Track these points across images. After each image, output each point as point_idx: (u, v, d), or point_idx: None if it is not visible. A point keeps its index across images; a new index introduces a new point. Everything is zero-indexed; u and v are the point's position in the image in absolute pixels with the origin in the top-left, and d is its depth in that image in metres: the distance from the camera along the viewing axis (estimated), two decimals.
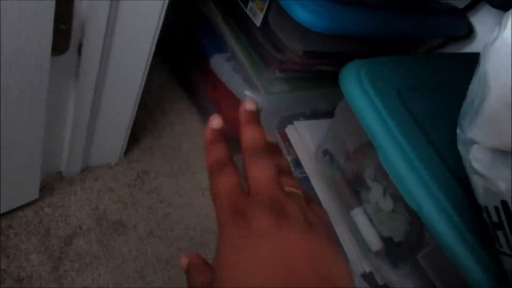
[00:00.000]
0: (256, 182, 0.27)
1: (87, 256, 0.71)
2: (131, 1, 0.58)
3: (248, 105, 0.31)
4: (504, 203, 0.42)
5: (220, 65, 0.88)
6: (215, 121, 0.31)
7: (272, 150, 0.30)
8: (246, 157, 0.28)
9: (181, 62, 1.06)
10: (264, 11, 0.80)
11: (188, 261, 0.30)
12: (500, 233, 0.44)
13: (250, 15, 0.84)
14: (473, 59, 0.52)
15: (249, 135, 0.29)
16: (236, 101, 0.88)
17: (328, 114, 0.86)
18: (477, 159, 0.45)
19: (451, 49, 1.04)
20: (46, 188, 0.75)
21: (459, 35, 0.97)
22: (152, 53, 0.68)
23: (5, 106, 0.55)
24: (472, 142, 0.45)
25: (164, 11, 0.63)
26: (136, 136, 0.90)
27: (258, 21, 0.82)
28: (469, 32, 0.99)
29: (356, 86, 0.59)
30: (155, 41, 0.67)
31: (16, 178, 0.66)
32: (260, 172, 0.27)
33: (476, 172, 0.45)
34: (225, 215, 0.26)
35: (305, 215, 0.26)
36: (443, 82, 0.68)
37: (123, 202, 0.80)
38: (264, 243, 0.24)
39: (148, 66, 0.70)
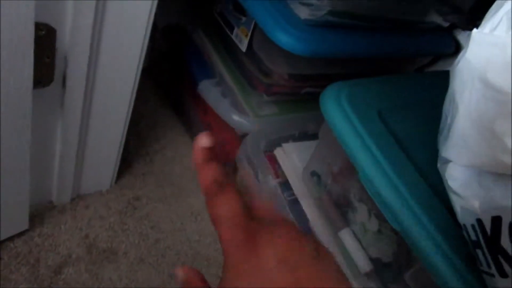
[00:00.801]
0: (263, 207, 0.28)
1: (77, 285, 0.71)
2: (113, 31, 0.60)
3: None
4: (479, 221, 0.42)
5: (208, 90, 0.89)
6: (204, 140, 0.28)
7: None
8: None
9: (173, 87, 1.07)
10: (248, 37, 0.82)
11: (186, 275, 0.28)
12: (479, 252, 0.44)
13: (236, 41, 0.85)
14: None
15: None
16: (227, 125, 0.88)
17: (317, 135, 0.87)
18: (452, 178, 0.45)
19: (440, 66, 1.04)
20: (37, 217, 0.76)
21: (446, 53, 0.98)
22: (137, 80, 0.70)
23: None
24: (447, 161, 0.46)
25: (147, 40, 0.64)
26: (128, 162, 0.91)
27: (243, 46, 0.84)
28: (456, 50, 1.00)
29: (336, 108, 0.59)
30: (140, 69, 0.68)
31: (5, 210, 0.67)
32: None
33: (453, 191, 0.45)
34: (231, 243, 0.25)
35: (313, 242, 0.26)
36: (424, 101, 0.68)
37: (114, 230, 0.80)
38: (276, 271, 0.24)
39: (134, 93, 0.71)
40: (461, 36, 0.99)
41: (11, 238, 0.72)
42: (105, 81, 0.65)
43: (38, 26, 0.52)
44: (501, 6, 0.37)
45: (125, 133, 0.77)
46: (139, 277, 0.75)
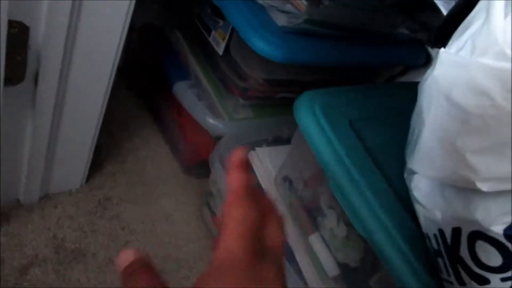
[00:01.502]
0: (275, 235, 0.28)
1: (43, 286, 0.70)
2: (89, 31, 0.59)
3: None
4: (441, 231, 0.43)
5: (183, 91, 0.89)
6: (244, 151, 0.30)
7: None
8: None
9: (147, 88, 1.07)
10: (226, 40, 0.82)
11: (132, 259, 0.27)
12: (440, 261, 0.46)
13: (213, 44, 0.86)
14: None
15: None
16: (201, 126, 0.89)
17: (290, 140, 0.88)
18: (417, 189, 0.47)
19: (411, 77, 1.08)
20: (3, 216, 0.74)
21: (417, 64, 1.01)
22: (112, 80, 0.69)
23: None
24: (413, 172, 0.47)
25: (124, 38, 0.64)
26: (99, 161, 0.89)
27: (220, 49, 0.84)
28: (426, 61, 1.03)
29: (309, 116, 0.61)
30: (115, 69, 0.68)
31: None
32: (280, 234, 0.28)
33: (417, 201, 0.47)
34: (242, 250, 0.26)
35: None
36: (393, 112, 0.70)
37: (83, 230, 0.79)
38: None
39: (108, 94, 0.71)
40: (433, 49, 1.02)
41: None
42: (79, 80, 0.64)
43: (11, 24, 0.51)
44: (466, 28, 0.39)
45: (97, 132, 0.76)
46: (107, 278, 0.75)
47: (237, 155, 0.30)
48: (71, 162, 0.79)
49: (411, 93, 0.77)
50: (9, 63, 0.54)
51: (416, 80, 1.05)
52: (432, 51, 1.02)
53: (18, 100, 0.62)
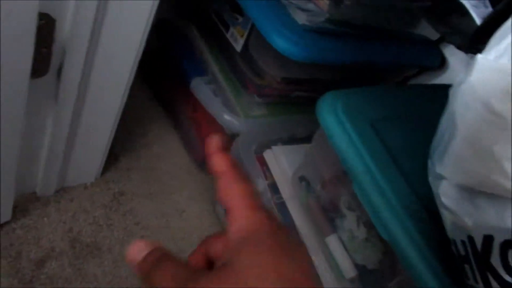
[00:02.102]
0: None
1: (59, 280, 0.70)
2: (113, 25, 0.59)
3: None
4: (470, 238, 0.43)
5: (200, 88, 0.89)
6: (217, 138, 0.30)
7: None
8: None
9: (162, 83, 1.06)
10: (244, 37, 0.82)
11: (148, 250, 0.28)
12: (467, 267, 0.45)
13: (231, 41, 0.85)
14: (444, 91, 0.54)
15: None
16: (215, 122, 0.88)
17: (305, 139, 0.88)
18: (445, 194, 0.47)
19: (425, 78, 1.07)
20: (19, 209, 0.74)
21: (432, 66, 1.01)
22: (132, 76, 0.69)
23: None
24: (441, 177, 0.47)
25: (146, 36, 0.64)
26: (114, 156, 0.89)
27: (238, 46, 0.84)
28: (441, 63, 1.03)
29: (332, 117, 0.60)
30: (136, 64, 0.67)
31: None
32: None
33: (445, 207, 0.47)
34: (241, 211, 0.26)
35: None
36: (415, 113, 0.70)
37: (98, 224, 0.79)
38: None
39: (128, 89, 0.70)
40: (446, 50, 1.02)
41: None
42: (101, 75, 0.64)
43: (39, 16, 0.51)
44: (507, 34, 0.38)
45: (115, 127, 0.76)
46: (122, 273, 0.75)
47: (215, 140, 0.30)
48: (88, 156, 0.79)
49: (430, 96, 0.77)
50: (34, 55, 0.53)
51: (430, 82, 1.06)
52: (447, 52, 1.02)
53: (40, 93, 0.61)
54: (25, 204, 0.75)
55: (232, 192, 0.27)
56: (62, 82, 0.61)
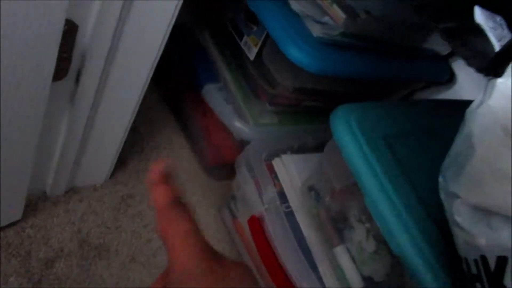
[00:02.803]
0: None
1: (67, 280, 0.70)
2: (134, 32, 0.59)
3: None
4: (483, 258, 0.44)
5: (211, 94, 0.90)
6: (161, 165, 0.32)
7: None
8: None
9: (173, 87, 1.07)
10: (258, 46, 0.83)
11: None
12: (478, 286, 0.46)
13: (245, 49, 0.86)
14: (456, 107, 0.55)
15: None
16: (225, 129, 0.89)
17: (315, 149, 0.89)
18: (459, 213, 0.47)
19: (433, 92, 1.09)
20: (29, 208, 0.75)
21: (441, 80, 1.02)
22: (148, 83, 0.69)
23: (0, 127, 0.55)
24: (455, 196, 0.48)
25: (164, 45, 0.65)
26: (123, 158, 0.90)
27: (252, 55, 0.85)
28: (450, 78, 1.04)
29: (345, 130, 0.61)
30: (152, 71, 0.68)
31: (1, 200, 0.65)
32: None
33: (458, 226, 0.47)
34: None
35: None
36: (427, 129, 0.71)
37: (107, 226, 0.79)
38: None
39: (143, 95, 0.71)
40: (455, 65, 1.03)
41: (2, 229, 0.70)
42: (118, 80, 0.65)
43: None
44: None
45: (127, 131, 0.77)
46: (130, 275, 0.75)
47: (157, 169, 0.32)
48: (99, 158, 0.79)
49: (443, 111, 0.78)
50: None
51: (437, 96, 1.07)
52: (456, 69, 1.03)
53: (57, 97, 0.62)
54: (35, 203, 0.76)
55: (171, 231, 0.29)
56: (80, 86, 0.61)
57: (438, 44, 0.95)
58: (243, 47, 0.87)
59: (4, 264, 0.68)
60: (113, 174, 0.87)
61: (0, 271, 0.66)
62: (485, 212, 0.44)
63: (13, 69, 0.49)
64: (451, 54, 1.01)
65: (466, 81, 1.03)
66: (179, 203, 0.30)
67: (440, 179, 0.55)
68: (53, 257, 0.71)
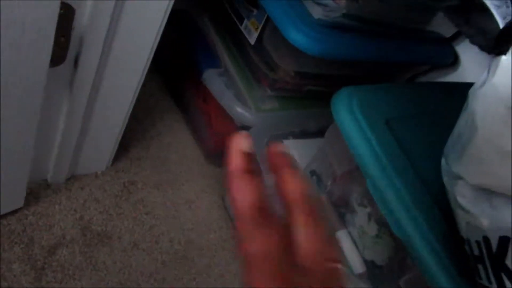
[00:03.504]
0: (312, 250, 0.22)
1: (70, 267, 0.70)
2: (131, 16, 0.59)
3: (284, 147, 0.25)
4: (486, 239, 0.44)
5: (212, 80, 0.89)
6: (244, 142, 0.24)
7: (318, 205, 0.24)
8: (299, 211, 0.23)
9: (173, 73, 1.06)
10: (259, 30, 0.82)
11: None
12: (480, 266, 0.46)
13: (245, 33, 0.85)
14: (459, 89, 0.54)
15: (300, 184, 0.24)
16: (226, 114, 0.88)
17: (317, 134, 0.88)
18: (462, 194, 0.47)
19: (436, 75, 1.07)
20: (31, 196, 0.75)
21: (445, 63, 1.01)
22: (147, 67, 0.69)
23: None
24: (458, 177, 0.47)
25: (162, 29, 0.64)
26: (124, 145, 0.90)
27: (252, 39, 0.84)
28: (454, 61, 1.02)
29: (347, 114, 0.60)
30: (152, 55, 0.67)
31: (3, 186, 0.65)
32: (319, 240, 0.22)
33: (461, 207, 0.47)
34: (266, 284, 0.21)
35: None
36: (429, 112, 0.70)
37: (109, 213, 0.79)
38: None
39: (142, 80, 0.70)
40: (459, 48, 1.02)
41: (4, 216, 0.71)
42: (117, 65, 0.64)
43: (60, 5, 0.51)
44: None
45: (127, 117, 0.76)
46: (132, 262, 0.75)
47: (235, 154, 0.23)
48: (100, 145, 0.79)
49: (446, 93, 0.77)
50: (53, 44, 0.53)
51: (440, 79, 1.05)
52: (460, 51, 1.01)
53: (56, 82, 0.62)
54: (36, 191, 0.76)
55: (246, 255, 0.22)
56: (78, 71, 0.61)
57: (441, 26, 0.94)
58: (243, 31, 0.86)
59: (7, 251, 0.68)
60: (114, 161, 0.86)
61: (3, 258, 0.67)
62: (487, 193, 0.43)
63: (10, 53, 0.48)
64: (455, 37, 0.99)
65: (470, 64, 1.01)
66: (266, 212, 0.22)
67: (443, 161, 0.54)
68: (56, 244, 0.72)
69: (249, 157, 0.24)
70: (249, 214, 0.22)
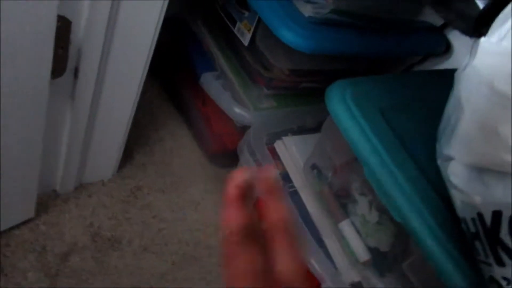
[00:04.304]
0: (289, 271, 0.25)
1: (83, 273, 0.72)
2: (126, 25, 0.61)
3: (272, 172, 0.28)
4: (480, 215, 0.45)
5: (209, 83, 0.91)
6: (242, 177, 0.26)
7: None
8: (278, 235, 0.26)
9: (172, 79, 1.08)
10: (251, 31, 0.84)
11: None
12: (477, 243, 0.47)
13: (238, 35, 0.87)
14: (450, 76, 0.56)
15: (280, 211, 0.27)
16: (226, 116, 0.90)
17: (315, 129, 0.90)
18: (454, 174, 0.48)
19: (430, 64, 1.08)
20: (41, 206, 0.77)
21: (438, 52, 1.02)
22: (145, 73, 0.71)
23: (4, 127, 0.56)
24: (450, 158, 0.49)
25: (157, 35, 0.66)
26: (128, 152, 0.92)
27: (245, 40, 0.86)
28: (446, 49, 1.03)
29: (341, 105, 0.62)
30: (149, 61, 0.70)
31: (13, 198, 0.68)
32: (296, 262, 0.26)
33: (454, 187, 0.48)
34: None
35: None
36: (423, 99, 0.72)
37: (117, 218, 0.81)
38: None
39: (141, 86, 0.73)
40: (451, 35, 1.03)
41: (17, 226, 0.73)
42: (115, 73, 0.66)
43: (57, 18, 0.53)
44: (508, 17, 0.40)
45: (130, 124, 0.78)
46: (143, 264, 0.77)
47: (231, 186, 0.26)
48: (105, 153, 0.81)
49: (436, 81, 0.78)
50: (53, 56, 0.56)
51: (435, 67, 1.07)
52: (452, 38, 1.03)
53: (58, 93, 0.64)
54: (46, 201, 0.78)
55: (233, 269, 0.25)
56: (79, 82, 0.63)
57: (432, 16, 0.95)
58: (236, 33, 0.88)
59: (22, 260, 0.70)
60: (120, 168, 0.89)
61: (18, 267, 0.69)
62: (478, 170, 0.45)
63: (11, 67, 0.50)
64: (446, 25, 1.01)
65: (463, 51, 1.03)
66: (251, 234, 0.25)
67: (437, 145, 0.56)
68: (68, 251, 0.74)
69: (243, 188, 0.26)
70: (235, 236, 0.25)
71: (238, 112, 0.88)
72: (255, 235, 0.26)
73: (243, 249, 0.25)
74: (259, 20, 0.81)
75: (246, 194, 0.26)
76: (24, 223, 0.74)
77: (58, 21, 0.54)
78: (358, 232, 0.69)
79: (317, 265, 0.70)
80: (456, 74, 0.47)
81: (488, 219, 0.44)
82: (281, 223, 0.26)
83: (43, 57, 0.53)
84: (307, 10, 0.75)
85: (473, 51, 0.43)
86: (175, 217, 0.87)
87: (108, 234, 0.79)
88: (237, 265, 0.25)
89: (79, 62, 0.61)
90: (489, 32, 0.42)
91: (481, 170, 0.44)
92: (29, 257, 0.70)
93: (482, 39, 0.41)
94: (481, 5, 0.52)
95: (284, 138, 0.85)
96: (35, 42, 0.50)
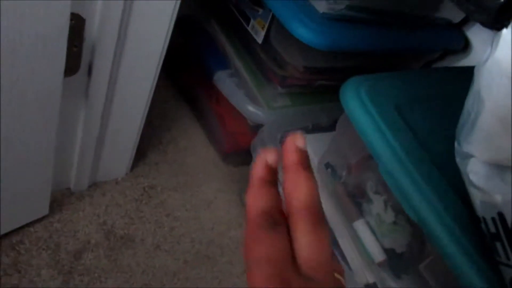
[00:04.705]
0: (313, 259, 0.23)
1: (96, 270, 0.73)
2: (139, 23, 0.61)
3: (300, 141, 0.25)
4: (500, 214, 0.43)
5: (223, 81, 0.90)
6: (272, 156, 0.24)
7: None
8: (302, 220, 0.23)
9: (185, 78, 1.08)
10: (265, 29, 0.83)
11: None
12: (498, 244, 0.46)
13: (252, 33, 0.86)
14: (468, 73, 0.54)
15: (307, 191, 0.24)
16: (239, 115, 0.90)
17: (329, 127, 0.88)
18: (474, 172, 0.47)
19: (449, 62, 1.06)
20: (55, 204, 0.77)
21: (456, 48, 1.00)
22: (159, 71, 0.71)
23: (18, 125, 0.57)
24: (469, 155, 0.47)
25: (170, 34, 0.66)
26: (142, 151, 0.92)
27: (259, 38, 0.85)
28: (465, 46, 1.01)
29: (356, 102, 0.61)
30: (162, 60, 0.69)
31: (28, 195, 0.68)
32: (320, 250, 0.23)
33: (474, 185, 0.47)
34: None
35: None
36: (439, 96, 0.70)
37: (130, 217, 0.81)
38: None
39: (154, 85, 0.72)
40: (470, 32, 1.00)
41: (31, 223, 0.73)
42: (128, 71, 0.66)
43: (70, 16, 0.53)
44: None
45: (143, 122, 0.78)
46: (156, 263, 0.77)
47: (260, 164, 0.24)
48: (118, 151, 0.81)
49: (453, 78, 0.76)
50: (66, 54, 0.56)
51: (453, 65, 1.04)
52: (470, 35, 1.00)
53: (72, 91, 0.64)
54: (60, 199, 0.78)
55: (249, 256, 0.23)
56: (92, 79, 0.63)
57: (450, 12, 0.93)
58: (250, 31, 0.87)
59: (36, 257, 0.70)
60: (133, 167, 0.89)
61: (32, 264, 0.69)
62: (499, 168, 0.43)
63: (25, 66, 0.50)
64: (464, 22, 0.98)
65: (481, 48, 1.00)
66: (276, 218, 0.23)
67: (456, 144, 0.54)
68: (81, 249, 0.74)
69: (271, 170, 0.25)
70: (259, 220, 0.23)
71: (252, 111, 0.87)
72: (280, 218, 0.24)
73: (267, 233, 0.23)
74: (273, 17, 0.80)
75: (274, 175, 0.25)
76: (38, 220, 0.74)
77: (71, 19, 0.54)
78: (373, 232, 0.68)
79: None
80: (476, 68, 0.45)
81: (509, 218, 0.42)
82: (306, 206, 0.24)
83: (57, 55, 0.53)
84: (322, 7, 0.74)
85: (494, 43, 0.42)
86: (188, 216, 0.86)
87: (121, 232, 0.79)
88: (259, 249, 0.23)
89: (92, 60, 0.61)
90: (511, 23, 0.40)
91: (501, 168, 0.43)
92: (42, 255, 0.71)
93: (504, 31, 0.40)
94: None
95: None
96: (49, 40, 0.51)
